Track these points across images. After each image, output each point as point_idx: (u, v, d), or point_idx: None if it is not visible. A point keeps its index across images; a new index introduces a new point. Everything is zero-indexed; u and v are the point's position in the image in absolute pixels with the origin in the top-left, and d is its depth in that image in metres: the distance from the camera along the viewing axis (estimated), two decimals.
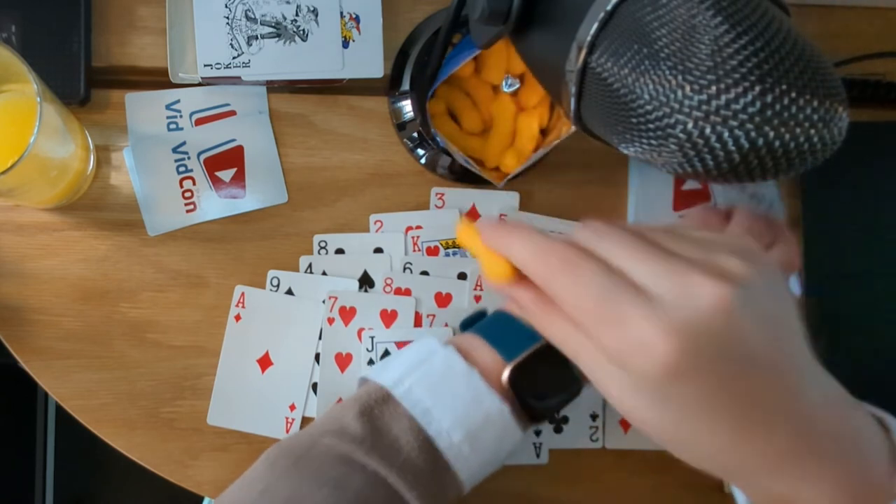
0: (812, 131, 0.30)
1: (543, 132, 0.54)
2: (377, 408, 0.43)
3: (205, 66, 0.51)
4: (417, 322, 0.54)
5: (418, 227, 0.55)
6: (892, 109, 0.60)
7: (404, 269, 0.54)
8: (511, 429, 0.43)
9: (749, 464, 0.32)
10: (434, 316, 0.54)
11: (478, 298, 0.54)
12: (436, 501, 0.41)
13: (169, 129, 0.53)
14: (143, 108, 0.53)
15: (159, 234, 0.53)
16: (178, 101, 0.53)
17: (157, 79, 0.53)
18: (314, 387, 0.53)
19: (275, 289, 0.54)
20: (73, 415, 0.52)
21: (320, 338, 0.53)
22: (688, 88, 0.30)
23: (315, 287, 0.54)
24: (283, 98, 0.55)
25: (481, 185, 0.55)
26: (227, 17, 0.51)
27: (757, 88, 0.30)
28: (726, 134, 0.30)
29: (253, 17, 0.51)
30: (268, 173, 0.54)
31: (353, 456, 0.41)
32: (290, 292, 0.54)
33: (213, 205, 0.53)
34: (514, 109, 0.53)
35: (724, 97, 0.30)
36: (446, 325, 0.54)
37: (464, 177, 0.55)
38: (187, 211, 0.53)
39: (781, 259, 0.40)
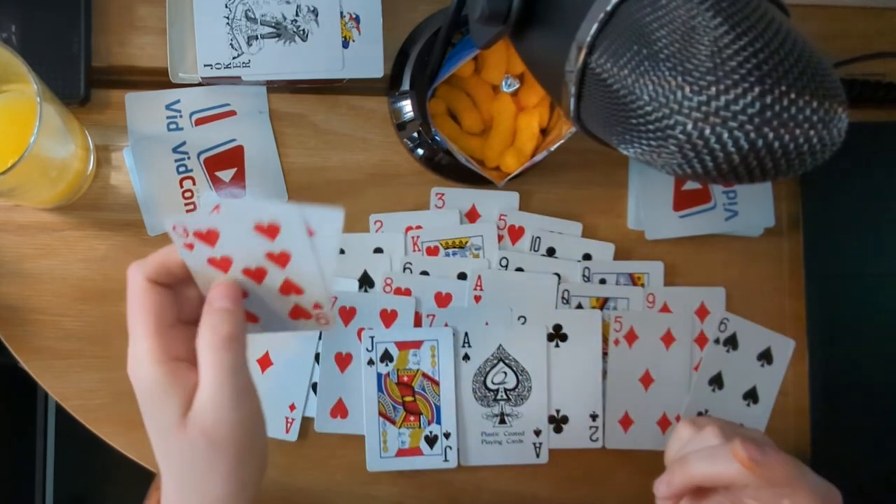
0: (811, 132, 0.30)
1: (544, 132, 0.54)
2: None
3: (205, 66, 0.51)
4: (417, 322, 0.54)
5: (418, 227, 0.55)
6: (892, 109, 0.60)
7: (404, 269, 0.54)
8: None
9: None
10: (434, 316, 0.54)
11: (477, 298, 0.54)
12: None
13: (169, 129, 0.53)
14: (143, 108, 0.53)
15: (159, 234, 0.53)
16: (178, 101, 0.53)
17: (157, 79, 0.53)
18: (314, 387, 0.53)
19: None
20: (73, 415, 0.52)
21: (320, 338, 0.53)
22: (687, 89, 0.30)
23: None
24: (283, 98, 0.55)
25: (481, 185, 0.55)
26: (227, 17, 0.51)
27: (756, 89, 0.30)
28: (726, 135, 0.30)
29: (253, 17, 0.51)
30: (268, 173, 0.54)
31: None
32: None
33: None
34: (514, 109, 0.53)
35: (723, 98, 0.30)
36: (446, 325, 0.54)
37: (464, 177, 0.55)
38: (187, 211, 0.53)
39: None
